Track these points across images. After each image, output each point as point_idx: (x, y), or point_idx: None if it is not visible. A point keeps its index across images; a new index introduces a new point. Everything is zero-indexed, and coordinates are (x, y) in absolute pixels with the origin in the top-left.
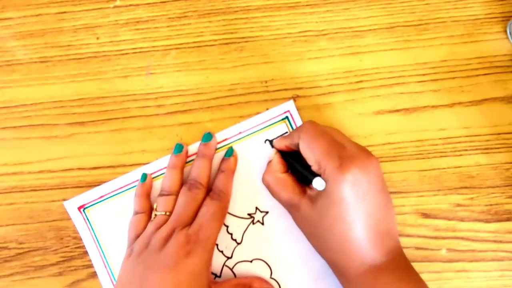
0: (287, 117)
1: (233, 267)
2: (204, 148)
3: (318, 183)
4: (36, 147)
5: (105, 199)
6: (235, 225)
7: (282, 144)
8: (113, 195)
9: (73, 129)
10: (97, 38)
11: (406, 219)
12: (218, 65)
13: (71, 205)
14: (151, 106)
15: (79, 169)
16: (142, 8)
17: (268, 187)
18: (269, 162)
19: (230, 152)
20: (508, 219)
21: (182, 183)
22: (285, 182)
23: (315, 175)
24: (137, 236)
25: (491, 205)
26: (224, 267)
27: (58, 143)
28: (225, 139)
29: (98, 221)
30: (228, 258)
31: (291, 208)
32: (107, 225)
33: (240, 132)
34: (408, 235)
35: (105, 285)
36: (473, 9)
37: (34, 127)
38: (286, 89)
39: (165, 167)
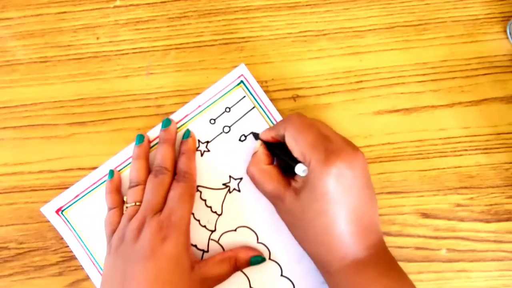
0: (242, 81)
1: (219, 239)
2: (165, 133)
3: (300, 169)
4: (36, 147)
5: (80, 198)
6: (213, 198)
7: (268, 136)
8: (87, 192)
9: (73, 129)
10: (97, 38)
11: (406, 219)
12: (218, 65)
13: (48, 210)
14: (151, 106)
15: (79, 169)
16: (142, 8)
17: (253, 178)
18: (254, 153)
19: (187, 134)
20: (508, 219)
21: (149, 171)
22: (270, 174)
23: (298, 162)
24: (114, 232)
25: (491, 205)
26: (210, 241)
27: (58, 143)
28: (186, 116)
29: (78, 220)
30: (212, 231)
31: (275, 199)
32: (88, 223)
33: (199, 106)
34: (408, 235)
35: (98, 285)
36: (473, 9)
37: (34, 127)
38: (286, 89)
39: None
